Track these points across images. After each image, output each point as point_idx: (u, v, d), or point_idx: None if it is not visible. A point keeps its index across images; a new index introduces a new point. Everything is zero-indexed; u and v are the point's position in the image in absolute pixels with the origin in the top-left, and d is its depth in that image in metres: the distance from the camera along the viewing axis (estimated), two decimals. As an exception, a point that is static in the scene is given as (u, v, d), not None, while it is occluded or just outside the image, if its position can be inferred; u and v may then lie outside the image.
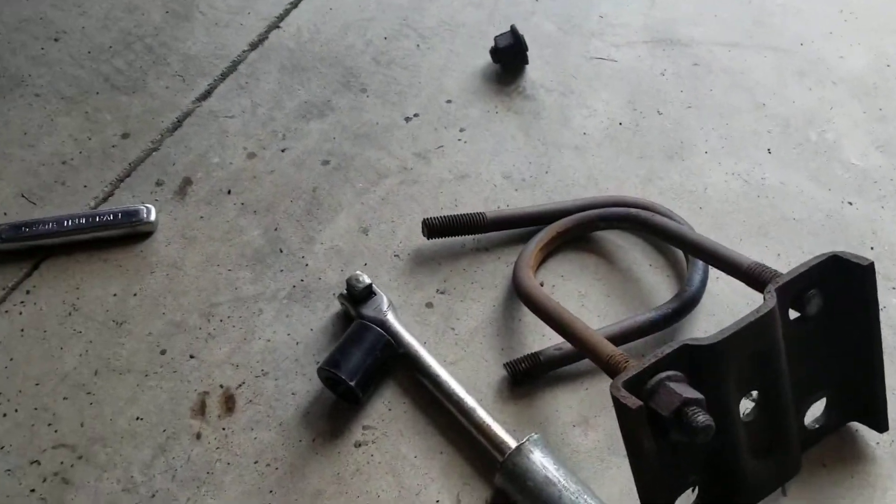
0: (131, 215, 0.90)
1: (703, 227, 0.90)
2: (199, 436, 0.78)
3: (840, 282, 0.70)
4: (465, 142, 0.99)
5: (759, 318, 0.65)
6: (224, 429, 0.78)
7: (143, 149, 0.98)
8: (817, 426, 0.76)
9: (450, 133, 1.00)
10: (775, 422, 0.70)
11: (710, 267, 0.84)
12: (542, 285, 0.87)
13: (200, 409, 0.79)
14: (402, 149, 0.99)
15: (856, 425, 0.77)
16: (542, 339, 0.83)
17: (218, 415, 0.79)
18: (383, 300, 0.83)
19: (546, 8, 1.14)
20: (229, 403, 0.80)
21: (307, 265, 0.89)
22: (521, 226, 0.90)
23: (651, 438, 0.61)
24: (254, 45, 1.09)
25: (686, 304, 0.82)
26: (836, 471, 0.75)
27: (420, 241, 0.90)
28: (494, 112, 1.02)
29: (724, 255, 0.76)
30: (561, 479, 0.70)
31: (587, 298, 0.86)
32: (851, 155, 0.97)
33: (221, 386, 0.81)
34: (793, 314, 0.70)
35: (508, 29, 1.04)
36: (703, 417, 0.59)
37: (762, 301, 0.66)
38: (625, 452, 0.74)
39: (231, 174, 0.96)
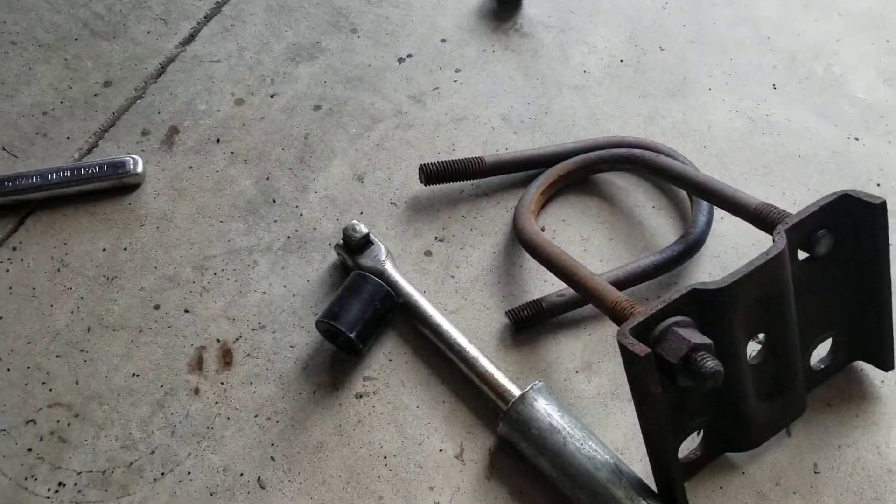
0: (117, 167, 0.87)
1: (708, 167, 0.88)
2: (197, 391, 0.76)
3: (850, 221, 0.68)
4: (462, 83, 0.96)
5: (769, 261, 0.63)
6: (222, 383, 0.77)
7: (126, 97, 0.94)
8: (823, 366, 0.75)
9: (445, 74, 0.97)
10: (782, 363, 0.69)
11: (714, 207, 0.82)
12: (543, 230, 0.85)
13: (197, 364, 0.78)
14: (397, 91, 0.95)
15: (861, 365, 0.76)
16: (544, 285, 0.81)
17: (216, 369, 0.77)
18: (381, 249, 0.81)
19: (542, -60, 1.09)
20: (227, 357, 0.78)
21: (301, 215, 0.86)
22: (520, 170, 0.87)
23: (658, 385, 0.60)
24: (237, -14, 1.05)
25: (691, 246, 0.80)
26: (841, 410, 0.74)
27: (417, 187, 0.87)
28: (491, 51, 0.99)
29: (731, 196, 0.74)
30: (566, 426, 0.70)
31: (589, 242, 0.84)
32: (858, 89, 0.94)
33: (218, 340, 0.79)
34: (802, 255, 0.68)
35: (504, -37, 1.00)
36: (711, 363, 0.58)
37: (771, 242, 0.65)
38: (628, 397, 0.73)
39: (219, 122, 0.93)
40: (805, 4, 1.02)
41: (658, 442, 0.64)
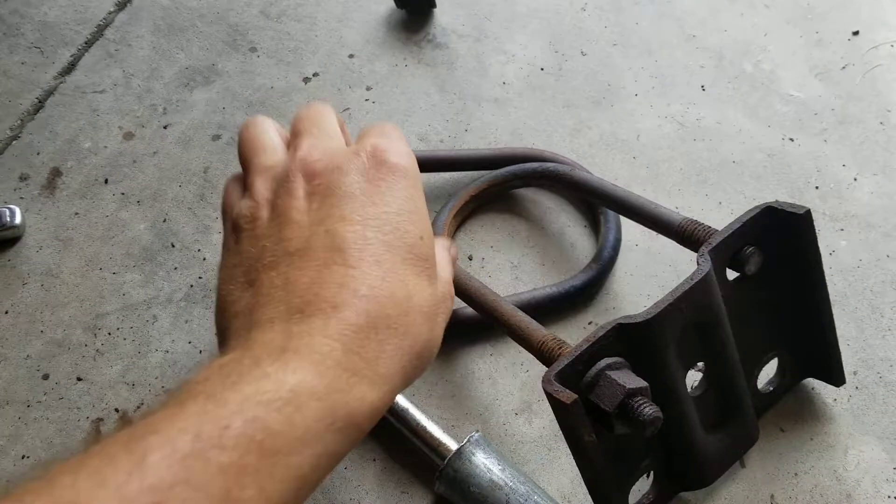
0: (-8, 219, 0.78)
1: (640, 179, 0.83)
2: (95, 470, 0.68)
3: (778, 234, 0.64)
4: (374, 102, 0.89)
5: (694, 286, 0.58)
6: (124, 459, 0.68)
7: (0, 138, 0.84)
8: (771, 388, 0.71)
9: (355, 93, 0.89)
10: (725, 392, 0.65)
11: (621, 225, 0.77)
12: (470, 258, 0.79)
13: (95, 440, 0.69)
14: (303, 115, 0.88)
15: (812, 384, 0.72)
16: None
17: (115, 444, 0.69)
18: (294, 292, 0.74)
19: (451, -59, 1.02)
20: (128, 429, 0.70)
21: (205, 259, 0.78)
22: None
23: (591, 433, 0.54)
24: (121, 5, 0.95)
25: (603, 270, 0.75)
26: (794, 435, 0.70)
27: (331, 220, 0.80)
28: (404, 65, 0.92)
29: (653, 213, 0.69)
30: (508, 481, 0.64)
31: (520, 269, 0.78)
32: (790, 86, 0.90)
33: (117, 410, 0.70)
34: (733, 274, 0.64)
35: (411, -32, 0.93)
36: (649, 409, 0.53)
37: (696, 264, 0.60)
38: (574, 441, 0.68)
39: (107, 160, 0.83)
40: (729, -2, 0.98)
41: (603, 493, 0.59)
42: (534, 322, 0.63)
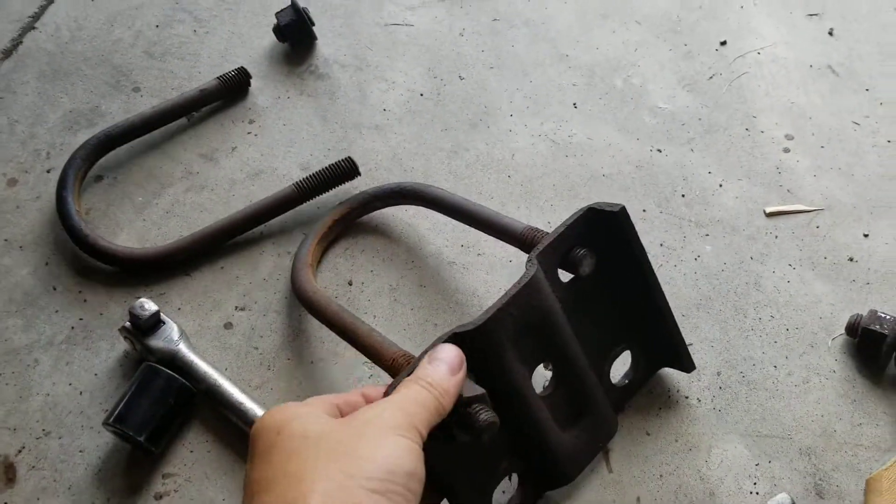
0: None
1: (514, 196, 0.85)
2: (-24, 516, 0.69)
3: (605, 234, 0.67)
4: (256, 135, 0.91)
5: (521, 290, 0.61)
6: (6, 503, 0.69)
7: None
8: (627, 381, 0.74)
9: (238, 127, 0.91)
10: (576, 389, 0.68)
11: None
12: (350, 283, 0.81)
13: (-24, 486, 0.70)
14: (186, 151, 0.89)
15: (677, 386, 0.75)
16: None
17: (-4, 489, 0.70)
18: (174, 329, 0.75)
19: (332, -27, 1.05)
20: (9, 473, 0.71)
21: (86, 301, 0.79)
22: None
23: (439, 441, 0.56)
24: (6, 53, 0.96)
25: None
26: (660, 437, 0.73)
27: (214, 254, 0.82)
28: (286, 97, 0.94)
29: (499, 223, 0.73)
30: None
31: (399, 292, 0.80)
32: (658, 98, 0.93)
33: (-2, 455, 0.72)
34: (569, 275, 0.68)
35: (289, 3, 0.95)
36: (485, 415, 0.55)
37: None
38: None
39: (-10, 207, 0.85)
40: (603, 15, 1.01)
41: (465, 499, 0.61)
42: (388, 340, 0.65)
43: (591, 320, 0.69)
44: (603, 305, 0.69)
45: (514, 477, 0.67)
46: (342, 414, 0.53)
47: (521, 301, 0.61)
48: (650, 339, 0.72)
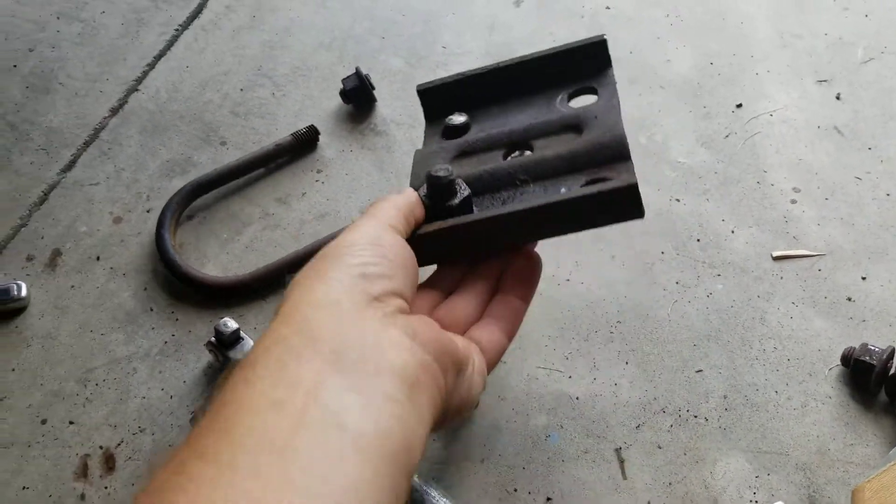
0: (2, 293, 0.94)
1: (544, 241, 0.97)
2: (83, 496, 0.82)
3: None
4: (323, 182, 1.05)
5: None
6: (106, 487, 0.82)
7: (11, 226, 1.01)
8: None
9: (308, 176, 1.05)
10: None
11: None
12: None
13: (83, 472, 0.83)
14: (264, 196, 1.04)
15: (685, 407, 0.85)
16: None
17: (100, 475, 0.83)
18: (251, 344, 0.88)
19: (392, 44, 1.20)
20: (109, 463, 0.84)
21: (177, 320, 0.93)
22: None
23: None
24: (114, 111, 1.13)
25: None
26: (671, 450, 0.82)
27: (286, 283, 0.95)
28: (349, 151, 1.08)
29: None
30: (421, 488, 0.77)
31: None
32: (679, 154, 1.05)
33: (101, 447, 0.85)
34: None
35: (354, 70, 1.10)
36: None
37: None
38: (480, 457, 0.81)
39: (99, 241, 1.00)
40: (631, 80, 1.13)
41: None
42: None
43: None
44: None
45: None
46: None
47: None
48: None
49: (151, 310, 0.94)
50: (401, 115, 1.11)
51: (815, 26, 1.19)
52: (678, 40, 1.19)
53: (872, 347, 0.84)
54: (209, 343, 0.88)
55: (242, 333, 0.88)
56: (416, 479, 0.77)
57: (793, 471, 0.80)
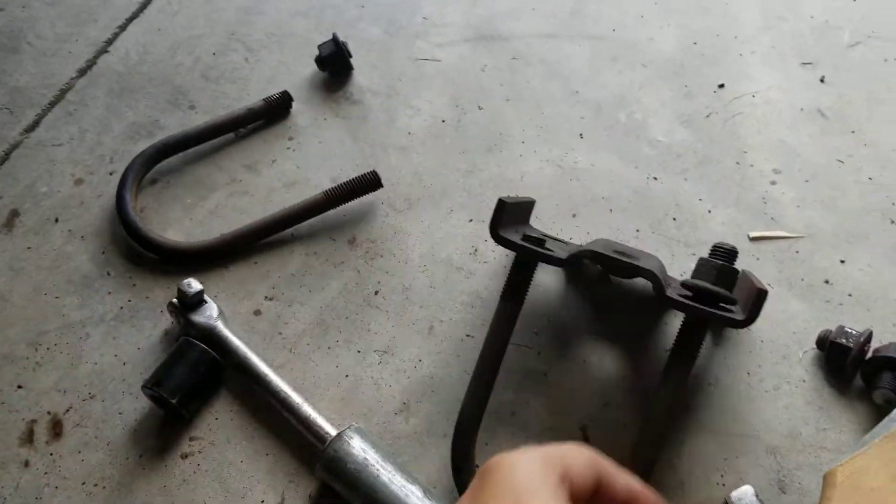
0: (-46, 252, 0.90)
1: (520, 213, 0.95)
2: (27, 463, 0.78)
3: None
4: (294, 150, 1.02)
5: None
6: (52, 454, 0.79)
7: (-32, 185, 0.98)
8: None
9: (279, 143, 1.02)
10: None
11: None
12: (367, 284, 0.90)
13: (28, 438, 0.80)
14: (232, 162, 1.01)
15: (653, 386, 0.82)
16: (367, 333, 0.86)
17: (46, 441, 0.80)
18: (213, 308, 0.85)
19: (371, 13, 1.17)
20: (56, 429, 0.81)
21: (135, 285, 0.90)
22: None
23: None
24: (82, 72, 1.10)
25: None
26: (636, 429, 0.80)
27: (250, 251, 0.92)
28: (323, 119, 1.05)
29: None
30: (379, 461, 0.74)
31: (411, 291, 0.89)
32: (658, 132, 1.02)
33: (49, 413, 0.81)
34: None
35: (331, 37, 1.07)
36: None
37: None
38: (442, 433, 0.78)
39: (59, 202, 0.97)
40: (613, 59, 1.11)
41: None
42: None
43: None
44: None
45: None
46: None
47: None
48: None
49: (109, 274, 0.91)
50: (378, 85, 1.08)
51: (801, 9, 1.17)
52: (662, 19, 1.16)
53: (849, 330, 0.81)
54: (170, 304, 0.85)
55: (206, 297, 0.85)
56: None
57: (763, 454, 0.78)
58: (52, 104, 1.06)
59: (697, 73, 1.09)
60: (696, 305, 0.74)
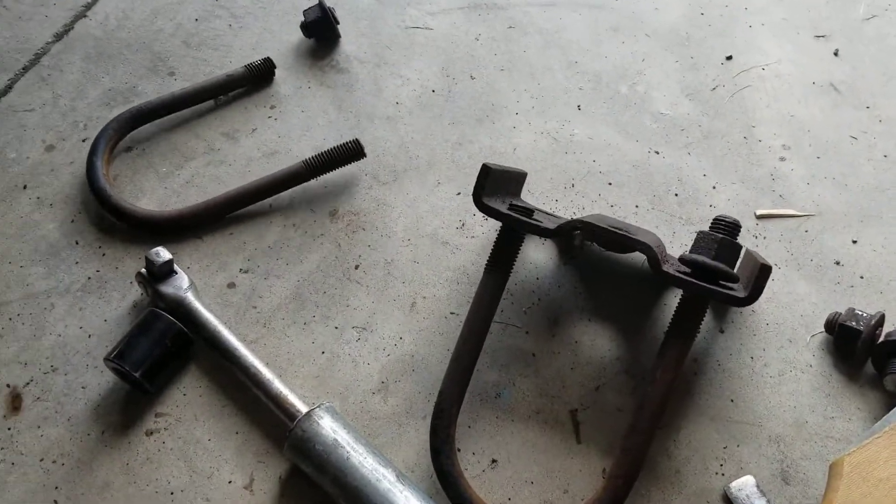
0: (-85, 218, 0.86)
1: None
2: (-17, 438, 0.74)
3: None
4: (276, 119, 0.97)
5: None
6: (9, 429, 0.74)
7: (-65, 150, 0.94)
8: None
9: (260, 111, 0.97)
10: None
11: None
12: (347, 258, 0.85)
13: None
14: (210, 130, 0.96)
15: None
16: (346, 309, 0.81)
17: (3, 415, 0.75)
18: (184, 279, 0.80)
19: (362, -20, 1.12)
20: (15, 403, 0.76)
21: (104, 255, 0.85)
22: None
23: None
24: (59, 36, 1.05)
25: None
26: (628, 414, 0.75)
27: (225, 221, 0.88)
28: (307, 87, 1.00)
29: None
30: (350, 441, 0.69)
31: (393, 266, 0.84)
32: (661, 105, 0.97)
33: (8, 385, 0.77)
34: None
35: (317, 2, 1.02)
36: None
37: None
38: (422, 414, 0.74)
39: (28, 168, 0.92)
40: (614, 28, 1.05)
41: None
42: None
43: None
44: None
45: None
46: None
47: None
48: None
49: (77, 243, 0.86)
50: (365, 53, 1.03)
51: (815, -18, 1.11)
52: (669, -11, 1.11)
53: (860, 313, 0.76)
54: (139, 274, 0.80)
55: (176, 267, 0.80)
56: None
57: (765, 443, 0.73)
58: (26, 69, 1.01)
59: (704, 45, 1.03)
60: (695, 281, 0.69)
